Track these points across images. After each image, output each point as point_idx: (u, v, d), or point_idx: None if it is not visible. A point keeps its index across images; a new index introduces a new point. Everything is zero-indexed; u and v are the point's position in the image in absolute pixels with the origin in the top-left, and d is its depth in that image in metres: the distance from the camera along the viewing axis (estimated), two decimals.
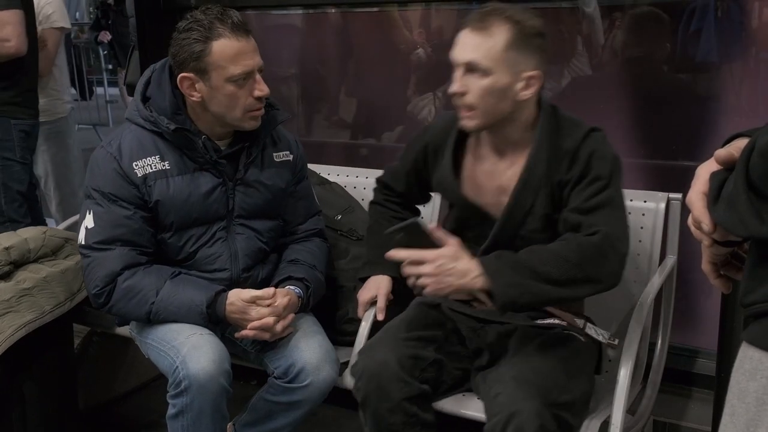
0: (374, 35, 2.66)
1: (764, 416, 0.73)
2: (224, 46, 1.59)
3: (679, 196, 1.84)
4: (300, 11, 2.77)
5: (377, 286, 1.74)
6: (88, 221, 1.69)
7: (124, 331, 1.94)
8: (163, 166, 1.68)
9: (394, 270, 1.75)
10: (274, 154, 1.81)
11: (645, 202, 1.83)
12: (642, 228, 1.83)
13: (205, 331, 1.65)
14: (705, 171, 0.80)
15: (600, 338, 1.60)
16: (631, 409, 1.70)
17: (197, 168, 1.71)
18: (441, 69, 2.53)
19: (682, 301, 2.07)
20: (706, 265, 0.87)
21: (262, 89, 1.65)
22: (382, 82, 2.68)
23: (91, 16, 9.53)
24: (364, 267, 1.81)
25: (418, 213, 1.89)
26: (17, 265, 1.97)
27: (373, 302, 1.75)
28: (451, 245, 1.45)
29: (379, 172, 2.25)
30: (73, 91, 7.27)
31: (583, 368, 1.55)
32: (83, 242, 1.70)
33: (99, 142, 1.81)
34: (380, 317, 1.71)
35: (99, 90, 7.76)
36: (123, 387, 2.51)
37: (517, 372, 1.46)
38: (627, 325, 1.66)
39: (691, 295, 2.14)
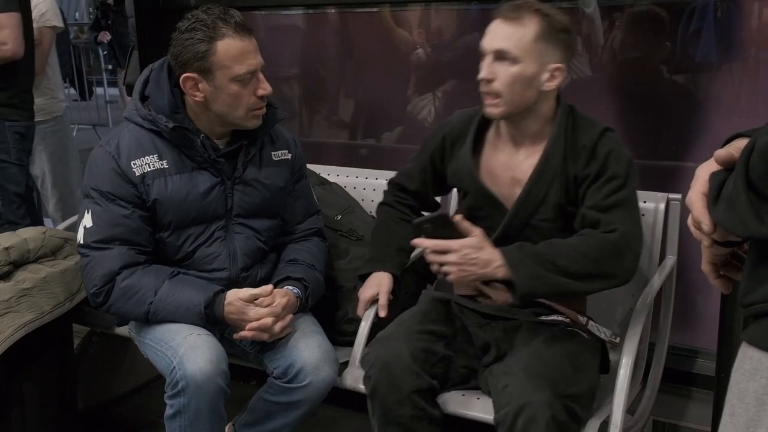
0: (374, 35, 2.66)
1: (764, 416, 0.73)
2: (228, 46, 1.60)
3: (678, 196, 1.84)
4: (300, 11, 2.77)
5: (379, 284, 1.74)
6: (87, 220, 1.69)
7: (123, 331, 1.94)
8: (162, 165, 1.68)
9: (396, 268, 1.76)
10: (273, 153, 1.81)
11: (645, 202, 1.83)
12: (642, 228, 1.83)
13: (203, 331, 1.65)
14: (705, 171, 0.80)
15: (602, 336, 1.62)
16: (630, 409, 1.70)
17: (195, 167, 1.71)
18: (441, 69, 2.53)
19: (682, 301, 2.07)
20: (705, 266, 0.87)
21: (265, 88, 1.66)
22: (382, 82, 2.68)
23: (91, 16, 9.53)
24: (366, 264, 1.81)
25: (429, 210, 1.90)
26: (17, 265, 1.97)
27: (374, 300, 1.75)
28: (476, 235, 1.50)
29: (378, 173, 2.27)
30: (72, 91, 7.29)
31: (588, 363, 1.56)
32: (82, 241, 1.70)
33: (98, 142, 1.81)
34: (382, 314, 1.72)
35: (99, 90, 7.76)
36: (122, 387, 2.51)
37: (526, 364, 1.47)
38: (627, 325, 1.66)
39: (690, 296, 2.14)
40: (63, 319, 2.01)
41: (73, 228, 2.23)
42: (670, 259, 1.83)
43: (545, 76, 1.53)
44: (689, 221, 0.82)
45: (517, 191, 1.61)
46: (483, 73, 1.54)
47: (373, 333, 1.77)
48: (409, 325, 1.61)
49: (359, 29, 2.71)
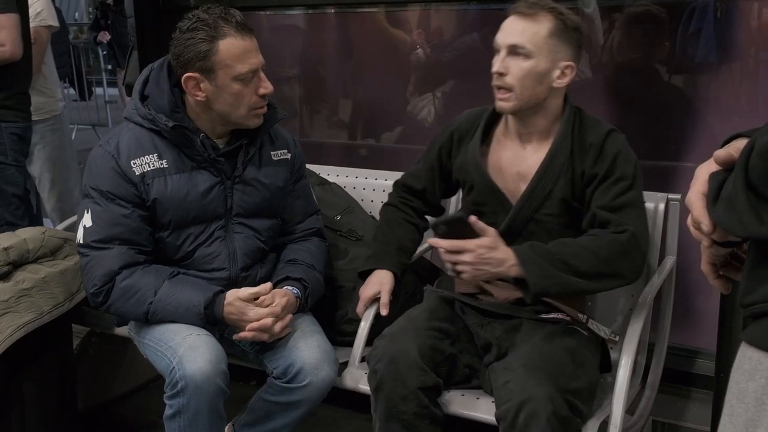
0: (373, 36, 2.66)
1: (763, 416, 0.73)
2: (230, 45, 1.60)
3: (678, 196, 1.84)
4: (299, 12, 2.77)
5: (380, 282, 1.74)
6: (86, 220, 1.69)
7: (122, 331, 1.94)
8: (161, 164, 1.68)
9: (397, 267, 1.76)
10: (272, 153, 1.81)
11: (644, 202, 1.83)
12: None
13: (203, 331, 1.65)
14: (704, 171, 0.80)
15: (601, 334, 1.63)
16: (630, 409, 1.70)
17: (195, 166, 1.71)
18: (440, 69, 2.53)
19: (682, 301, 2.07)
20: (705, 266, 0.87)
21: (266, 87, 1.67)
22: (382, 82, 2.68)
23: (90, 16, 9.53)
24: (367, 261, 1.82)
25: (433, 215, 1.91)
26: (16, 265, 1.97)
27: (374, 300, 1.75)
28: (490, 235, 1.52)
29: (378, 173, 2.27)
30: (72, 91, 7.28)
31: (588, 359, 1.57)
32: (81, 241, 1.70)
33: (97, 142, 1.81)
34: (384, 313, 1.71)
35: (98, 90, 7.76)
36: (122, 387, 2.51)
37: (526, 360, 1.48)
38: (626, 325, 1.66)
39: (690, 296, 2.14)
40: (62, 319, 2.01)
41: (72, 228, 2.23)
42: (670, 259, 1.83)
43: (556, 73, 1.57)
44: (689, 221, 0.82)
45: (522, 186, 1.63)
46: (496, 67, 1.57)
47: (372, 333, 1.77)
48: (417, 321, 1.61)
49: (359, 29, 2.71)
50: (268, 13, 2.81)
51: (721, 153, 0.78)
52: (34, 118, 2.78)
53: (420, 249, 1.92)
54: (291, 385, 1.66)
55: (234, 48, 1.61)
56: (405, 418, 1.51)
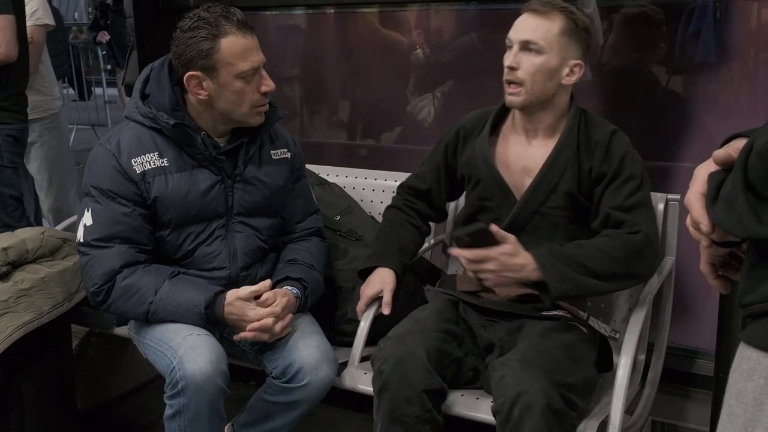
0: (372, 36, 2.66)
1: (762, 416, 0.73)
2: (232, 43, 1.61)
3: (677, 196, 1.84)
4: (299, 12, 2.77)
5: (382, 281, 1.74)
6: (87, 219, 1.69)
7: (122, 331, 1.94)
8: (162, 162, 1.69)
9: (398, 266, 1.76)
10: (272, 152, 1.82)
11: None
12: None
13: (203, 331, 1.65)
14: (703, 172, 0.80)
15: (602, 330, 1.64)
16: (629, 410, 1.70)
17: (196, 165, 1.71)
18: (440, 69, 2.53)
19: (681, 301, 2.07)
20: (704, 266, 0.87)
21: (268, 84, 1.67)
22: (382, 82, 2.68)
23: (90, 16, 9.53)
24: (368, 260, 1.81)
25: (435, 220, 1.94)
26: (15, 265, 1.97)
27: (374, 299, 1.75)
28: (510, 242, 1.55)
29: (378, 173, 2.27)
30: (71, 91, 7.28)
31: (584, 355, 1.58)
32: (82, 240, 1.70)
33: (97, 142, 1.81)
34: (386, 312, 1.71)
35: (97, 90, 7.76)
36: (121, 388, 2.51)
37: (523, 355, 1.50)
38: (626, 325, 1.66)
39: (689, 296, 2.14)
40: (62, 319, 2.01)
41: (71, 228, 2.23)
42: (669, 260, 1.83)
43: (565, 70, 1.62)
44: (688, 221, 0.82)
45: (528, 181, 1.67)
46: (508, 61, 1.62)
47: (372, 333, 1.77)
48: (425, 323, 1.61)
49: (358, 30, 2.71)
50: (267, 13, 2.81)
51: (719, 153, 0.78)
52: (31, 116, 2.77)
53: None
54: (290, 385, 1.66)
55: (236, 46, 1.61)
56: (407, 421, 1.50)
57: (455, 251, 1.58)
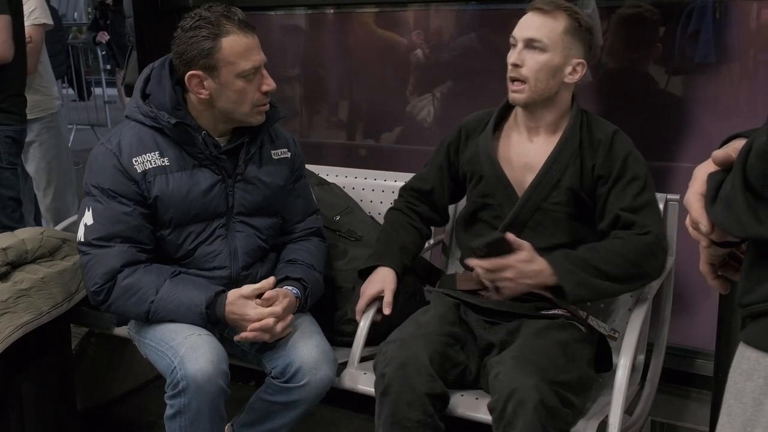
0: (372, 36, 2.66)
1: (761, 416, 0.74)
2: (233, 43, 1.61)
3: (677, 197, 1.84)
4: (300, 12, 2.77)
5: (383, 280, 1.74)
6: (87, 218, 1.69)
7: (121, 331, 1.94)
8: (163, 162, 1.69)
9: (399, 266, 1.76)
10: (272, 152, 1.82)
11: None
12: None
13: (204, 331, 1.65)
14: (702, 172, 0.80)
15: (601, 330, 1.65)
16: (628, 409, 1.70)
17: (197, 164, 1.71)
18: (440, 70, 2.53)
19: (680, 301, 2.08)
20: (703, 266, 0.87)
21: (269, 84, 1.68)
22: (381, 83, 2.69)
23: (90, 16, 9.53)
24: (369, 259, 1.81)
25: (437, 223, 1.94)
26: (14, 265, 1.97)
27: (374, 299, 1.75)
28: (526, 249, 1.57)
29: (378, 173, 2.27)
30: (71, 91, 7.28)
31: (581, 353, 1.58)
32: (82, 239, 1.70)
33: (96, 143, 1.81)
34: (387, 312, 1.71)
35: (97, 90, 7.75)
36: (121, 388, 2.51)
37: (518, 353, 1.50)
38: (625, 325, 1.66)
39: (689, 296, 2.14)
40: (61, 319, 2.00)
41: (70, 228, 2.23)
42: (669, 260, 1.83)
43: (568, 68, 1.64)
44: (687, 222, 0.82)
45: (530, 177, 1.69)
46: (513, 59, 1.64)
47: (371, 333, 1.77)
48: (428, 327, 1.61)
49: (358, 30, 2.71)
50: (267, 13, 2.81)
51: (719, 153, 0.78)
52: (29, 116, 2.77)
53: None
54: (289, 385, 1.66)
55: (237, 45, 1.62)
56: (409, 425, 1.49)
57: (473, 262, 1.59)
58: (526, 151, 1.71)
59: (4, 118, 2.56)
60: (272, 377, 1.69)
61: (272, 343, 1.70)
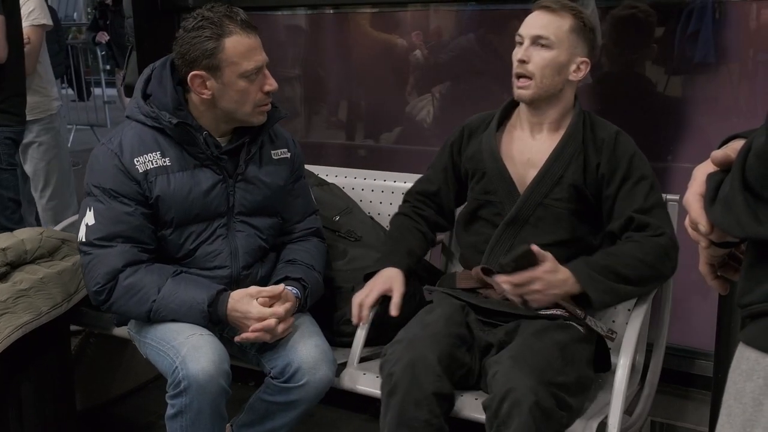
0: (371, 37, 2.66)
1: (761, 416, 0.74)
2: (236, 43, 1.62)
3: (676, 197, 1.84)
4: (300, 12, 2.77)
5: (391, 280, 1.73)
6: (89, 218, 1.69)
7: (121, 332, 1.94)
8: (164, 162, 1.69)
9: (405, 267, 1.76)
10: (272, 152, 1.82)
11: None
12: None
13: (205, 331, 1.65)
14: (702, 172, 0.80)
15: (599, 330, 1.65)
16: (628, 410, 1.70)
17: (198, 164, 1.71)
18: (439, 70, 2.53)
19: (680, 301, 2.08)
20: (703, 267, 0.87)
21: (271, 84, 1.69)
22: (381, 83, 2.69)
23: (89, 16, 9.53)
24: (377, 263, 1.80)
25: (443, 228, 1.94)
26: (14, 266, 1.97)
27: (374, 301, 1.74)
28: (549, 259, 1.58)
29: (377, 173, 2.27)
30: (70, 91, 7.28)
31: (579, 354, 1.58)
32: (84, 239, 1.70)
33: (96, 143, 1.81)
34: (395, 313, 1.69)
35: (97, 91, 7.75)
36: (120, 388, 2.51)
37: (515, 353, 1.51)
38: (625, 326, 1.66)
39: (688, 296, 2.14)
40: (60, 320, 2.00)
41: (70, 229, 2.23)
42: None
43: (573, 66, 1.67)
44: (686, 222, 0.82)
45: (532, 173, 1.70)
46: (519, 55, 1.67)
47: (371, 333, 1.77)
48: (435, 328, 1.60)
49: (357, 30, 2.71)
50: (267, 13, 2.81)
51: (718, 154, 0.79)
52: (29, 117, 2.77)
53: None
54: (288, 385, 1.66)
55: (240, 45, 1.62)
56: (416, 425, 1.48)
57: (501, 279, 1.59)
58: (528, 148, 1.73)
59: (4, 119, 2.56)
60: (271, 377, 1.70)
61: (272, 343, 1.70)
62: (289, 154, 1.86)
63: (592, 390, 1.64)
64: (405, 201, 1.92)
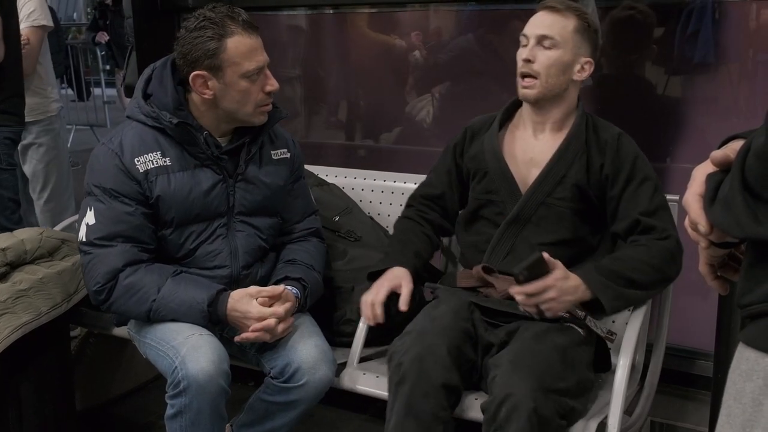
0: (371, 37, 2.67)
1: (760, 416, 0.74)
2: (238, 43, 1.62)
3: (675, 197, 1.84)
4: (301, 12, 2.77)
5: (400, 277, 1.72)
6: (89, 218, 1.69)
7: (121, 332, 1.94)
8: (165, 162, 1.69)
9: (412, 267, 1.75)
10: (272, 152, 1.82)
11: None
12: None
13: (205, 331, 1.65)
14: (701, 173, 0.80)
15: (598, 331, 1.64)
16: (628, 410, 1.70)
17: (198, 164, 1.71)
18: (438, 70, 2.53)
19: (680, 301, 2.08)
20: (703, 267, 0.87)
21: (272, 84, 1.69)
22: (380, 83, 2.69)
23: (89, 16, 9.53)
24: (383, 261, 1.80)
25: (447, 232, 1.93)
26: (13, 266, 1.97)
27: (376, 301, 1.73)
28: (560, 267, 1.57)
29: (377, 174, 2.27)
30: (70, 91, 7.28)
31: (578, 358, 1.58)
32: (84, 239, 1.70)
33: (96, 143, 1.81)
34: (404, 308, 1.68)
35: (96, 91, 7.75)
36: (120, 388, 2.51)
37: (515, 356, 1.50)
38: (625, 326, 1.66)
39: (688, 296, 2.14)
40: (60, 320, 2.00)
41: (69, 229, 2.23)
42: None
43: (577, 66, 1.68)
44: (686, 222, 0.82)
45: (535, 172, 1.70)
46: (525, 55, 1.68)
47: (371, 334, 1.77)
48: (443, 321, 1.60)
49: (357, 30, 2.72)
50: (267, 13, 2.81)
51: (717, 154, 0.79)
52: (28, 119, 2.76)
53: None
54: (288, 385, 1.66)
55: (242, 46, 1.62)
56: (423, 417, 1.48)
57: (515, 289, 1.57)
58: (531, 147, 1.73)
59: (3, 119, 2.56)
60: (271, 377, 1.70)
61: (272, 343, 1.70)
62: (289, 154, 1.86)
63: (592, 390, 1.64)
64: (409, 205, 1.91)
